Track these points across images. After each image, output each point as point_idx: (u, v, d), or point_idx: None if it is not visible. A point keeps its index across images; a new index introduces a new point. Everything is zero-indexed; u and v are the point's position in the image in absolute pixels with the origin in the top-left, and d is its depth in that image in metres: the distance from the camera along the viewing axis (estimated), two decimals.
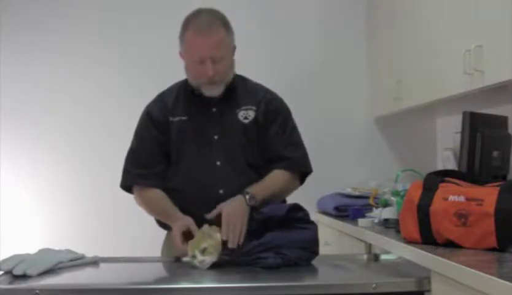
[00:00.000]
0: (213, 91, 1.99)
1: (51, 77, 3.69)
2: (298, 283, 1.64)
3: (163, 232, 2.13)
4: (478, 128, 2.14)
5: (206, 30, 1.93)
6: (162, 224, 2.09)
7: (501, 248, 1.56)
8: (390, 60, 3.36)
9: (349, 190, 2.98)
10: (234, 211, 1.85)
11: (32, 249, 1.90)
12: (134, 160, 2.07)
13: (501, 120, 2.34)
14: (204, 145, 2.01)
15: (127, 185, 2.09)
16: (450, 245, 1.66)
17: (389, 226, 2.19)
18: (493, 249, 1.58)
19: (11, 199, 3.65)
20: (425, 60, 2.82)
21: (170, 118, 2.03)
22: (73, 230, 3.57)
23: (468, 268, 1.35)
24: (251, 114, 2.02)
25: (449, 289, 1.46)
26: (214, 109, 2.03)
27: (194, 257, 1.77)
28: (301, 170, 2.06)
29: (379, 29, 3.57)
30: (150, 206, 2.06)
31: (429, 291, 1.58)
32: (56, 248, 1.95)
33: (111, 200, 3.61)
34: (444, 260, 1.49)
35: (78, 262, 1.88)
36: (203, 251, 1.75)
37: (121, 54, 3.72)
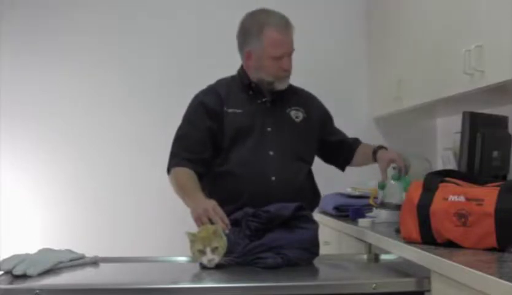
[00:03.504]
0: (284, 85, 2.17)
1: (51, 77, 3.69)
2: (298, 283, 1.64)
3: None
4: (478, 128, 2.14)
5: (287, 27, 2.13)
6: None
7: (501, 248, 1.56)
8: (390, 60, 3.36)
9: (349, 190, 2.97)
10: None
11: (32, 249, 1.90)
12: (184, 146, 2.14)
13: (501, 120, 2.34)
14: (258, 136, 2.13)
15: (173, 167, 2.12)
16: (450, 245, 1.66)
17: (386, 208, 2.22)
18: (493, 249, 1.58)
19: (11, 199, 3.65)
20: (425, 60, 2.82)
21: (225, 109, 2.14)
22: (73, 230, 3.57)
23: (468, 268, 1.35)
24: (300, 115, 2.23)
25: (449, 289, 1.46)
26: (268, 105, 2.18)
27: (202, 252, 1.75)
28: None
29: (379, 29, 3.57)
30: (176, 182, 2.09)
31: (429, 291, 1.58)
32: (56, 248, 1.95)
33: (111, 200, 3.63)
34: (444, 260, 1.49)
35: (78, 262, 1.88)
36: (214, 250, 1.75)
37: (121, 54, 3.72)
